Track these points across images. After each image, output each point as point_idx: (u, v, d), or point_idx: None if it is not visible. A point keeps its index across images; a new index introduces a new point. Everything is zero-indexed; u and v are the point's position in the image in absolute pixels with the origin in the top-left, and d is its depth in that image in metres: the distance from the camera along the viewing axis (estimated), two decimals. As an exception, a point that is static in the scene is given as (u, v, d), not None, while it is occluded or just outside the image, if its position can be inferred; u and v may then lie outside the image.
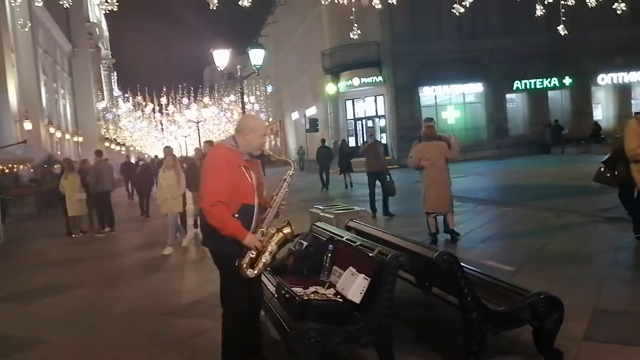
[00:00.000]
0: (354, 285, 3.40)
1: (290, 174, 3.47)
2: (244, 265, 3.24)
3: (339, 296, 3.51)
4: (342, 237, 4.15)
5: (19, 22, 8.25)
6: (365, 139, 31.34)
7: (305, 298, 3.42)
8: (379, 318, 3.23)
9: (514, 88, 29.21)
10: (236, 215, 3.23)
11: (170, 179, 8.61)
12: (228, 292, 3.42)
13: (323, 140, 21.65)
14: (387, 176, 10.38)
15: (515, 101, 30.24)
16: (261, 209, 3.39)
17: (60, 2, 6.27)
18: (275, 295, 3.90)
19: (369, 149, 10.82)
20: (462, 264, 3.42)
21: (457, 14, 7.80)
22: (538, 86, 29.37)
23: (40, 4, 5.51)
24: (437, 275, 3.80)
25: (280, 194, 3.42)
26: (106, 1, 5.60)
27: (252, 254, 3.25)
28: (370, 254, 3.50)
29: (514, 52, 27.82)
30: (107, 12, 5.68)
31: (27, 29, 6.97)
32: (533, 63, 28.26)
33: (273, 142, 49.76)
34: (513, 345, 3.80)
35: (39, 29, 35.56)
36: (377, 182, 10.72)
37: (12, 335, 5.04)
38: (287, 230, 3.40)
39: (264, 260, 3.28)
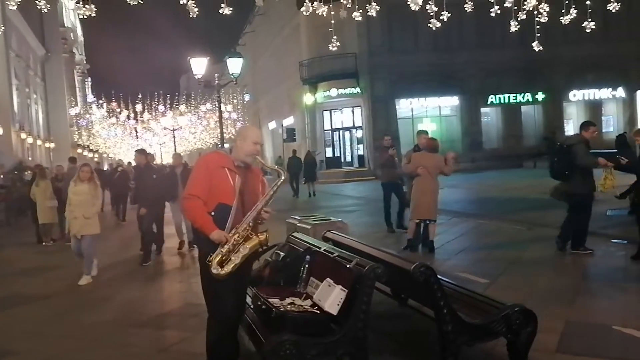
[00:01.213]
0: (331, 297, 3.38)
1: (279, 183, 3.52)
2: (213, 263, 3.24)
3: (315, 307, 3.49)
4: (320, 248, 4.13)
5: (-8, 25, 8.06)
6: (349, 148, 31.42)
7: (282, 309, 3.39)
8: (355, 330, 3.22)
9: (489, 102, 29.76)
10: (212, 213, 3.33)
11: (83, 194, 7.14)
12: (208, 293, 3.42)
13: (294, 151, 22.44)
14: (403, 187, 9.68)
15: (490, 115, 30.78)
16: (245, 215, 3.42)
17: (38, 7, 6.16)
18: (251, 306, 3.86)
19: (388, 159, 9.87)
20: (438, 276, 3.44)
21: (434, 28, 7.91)
22: (512, 101, 29.97)
23: (14, 8, 5.39)
24: (413, 287, 3.82)
25: (263, 200, 3.43)
26: (84, 6, 5.51)
27: (222, 251, 3.26)
28: (347, 265, 3.49)
29: (488, 67, 28.36)
30: (85, 17, 5.58)
31: (0, 32, 6.83)
32: (507, 78, 28.85)
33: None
34: (488, 357, 3.83)
35: (12, 32, 34.86)
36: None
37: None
38: (262, 237, 3.38)
39: (233, 260, 3.26)
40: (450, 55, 27.75)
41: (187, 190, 3.41)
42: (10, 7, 5.35)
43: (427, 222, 7.63)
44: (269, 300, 3.55)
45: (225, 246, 3.25)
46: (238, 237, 3.31)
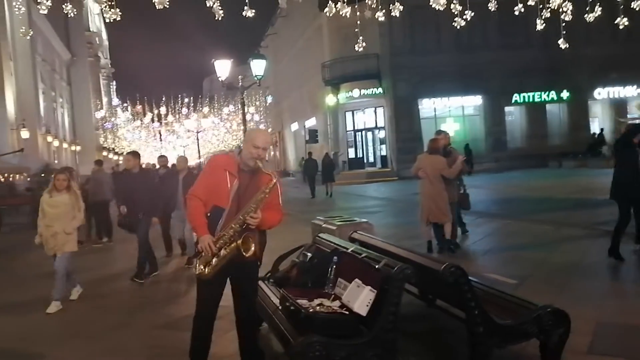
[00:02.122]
0: (360, 298, 3.36)
1: (267, 190, 3.39)
2: (197, 263, 3.37)
3: (344, 308, 3.47)
4: (347, 248, 4.11)
5: (21, 31, 8.24)
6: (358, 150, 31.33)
7: (311, 310, 3.38)
8: (384, 331, 3.19)
9: (513, 101, 29.38)
10: (208, 215, 3.40)
11: (61, 205, 6.18)
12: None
13: (309, 153, 23.45)
14: (462, 187, 9.16)
15: (514, 114, 30.38)
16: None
17: (64, 12, 6.29)
18: (279, 307, 3.85)
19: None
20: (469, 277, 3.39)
21: (458, 27, 7.84)
22: (536, 100, 29.55)
23: (45, 12, 5.51)
24: (442, 288, 3.77)
25: (249, 206, 3.36)
26: (110, 9, 5.61)
27: (206, 255, 3.34)
28: (376, 266, 3.47)
29: (512, 66, 27.99)
30: (111, 21, 5.67)
31: (28, 37, 7.02)
32: (531, 77, 28.41)
33: (272, 153, 49.76)
34: (518, 358, 3.76)
35: (38, 37, 35.67)
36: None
37: (8, 348, 4.95)
38: (240, 242, 3.32)
39: (213, 263, 3.33)
40: (473, 54, 27.49)
41: (191, 189, 3.52)
42: (41, 12, 5.46)
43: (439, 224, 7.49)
44: (298, 301, 3.54)
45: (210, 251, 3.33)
46: (223, 242, 3.34)
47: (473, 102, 29.55)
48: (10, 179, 20.65)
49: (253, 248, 3.35)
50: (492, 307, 3.59)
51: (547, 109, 30.09)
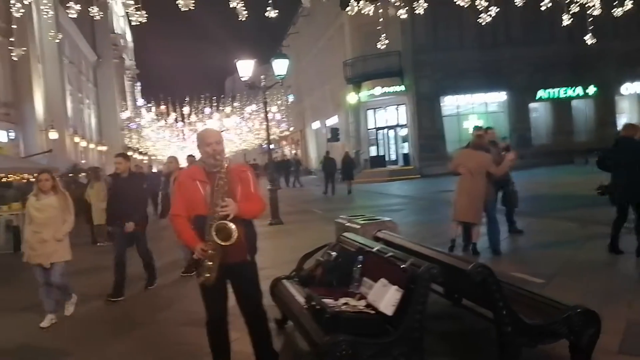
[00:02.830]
0: (386, 297, 3.36)
1: (223, 177, 3.40)
2: (200, 272, 3.44)
3: (370, 308, 3.47)
4: (372, 248, 4.11)
5: (50, 34, 8.44)
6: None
7: (337, 310, 3.39)
8: (411, 331, 3.18)
9: (537, 97, 28.90)
10: (193, 227, 3.45)
11: (49, 209, 5.59)
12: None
13: (327, 152, 24.23)
14: (510, 185, 8.84)
15: (539, 110, 29.89)
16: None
17: (90, 15, 6.42)
18: (305, 307, 3.86)
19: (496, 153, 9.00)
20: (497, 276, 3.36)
21: (484, 23, 7.76)
22: (561, 95, 29.03)
23: (75, 15, 5.63)
24: (469, 288, 3.74)
25: (214, 198, 3.38)
26: (136, 12, 5.70)
27: (205, 262, 3.39)
28: (402, 266, 3.46)
29: (536, 62, 27.54)
30: (138, 24, 5.76)
31: (57, 40, 7.23)
32: (556, 72, 27.91)
33: (294, 152, 49.88)
34: (547, 358, 3.71)
35: (65, 40, 36.37)
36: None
37: (39, 347, 5.05)
38: (214, 234, 3.31)
39: (208, 266, 3.38)
40: (497, 51, 27.15)
41: (171, 210, 3.63)
42: (70, 15, 5.58)
43: (469, 225, 7.23)
44: (323, 300, 3.55)
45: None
46: (210, 244, 3.35)
47: (497, 99, 29.16)
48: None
49: (235, 234, 3.29)
50: (520, 307, 3.54)
51: (572, 105, 29.52)
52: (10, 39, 10.73)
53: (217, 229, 3.30)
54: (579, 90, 28.89)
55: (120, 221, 6.66)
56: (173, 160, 8.33)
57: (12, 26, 8.02)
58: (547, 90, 28.74)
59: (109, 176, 8.84)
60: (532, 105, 29.37)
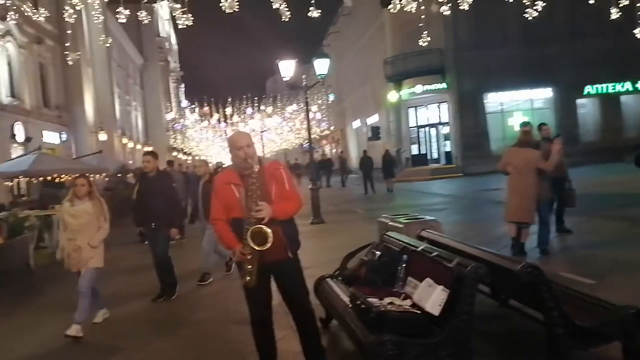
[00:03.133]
0: (432, 297, 3.34)
1: (255, 181, 3.40)
2: (241, 274, 3.49)
3: (416, 308, 3.46)
4: (417, 247, 4.08)
5: (100, 39, 8.77)
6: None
7: (382, 309, 3.39)
8: (458, 331, 3.16)
9: (585, 93, 27.90)
10: (232, 229, 3.50)
11: (84, 215, 5.45)
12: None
13: (365, 152, 24.55)
14: (568, 183, 8.46)
15: (586, 106, 28.84)
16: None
17: (139, 19, 6.64)
18: (349, 306, 3.87)
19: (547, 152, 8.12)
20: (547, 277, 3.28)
21: (530, 18, 7.59)
22: (610, 91, 27.92)
23: (124, 20, 5.84)
24: (517, 288, 3.67)
25: (248, 202, 3.39)
26: (182, 15, 5.85)
27: (245, 265, 3.44)
28: (448, 265, 3.43)
29: (584, 56, 26.54)
30: (184, 27, 5.92)
31: (107, 45, 7.54)
32: (604, 67, 26.80)
33: (334, 151, 49.94)
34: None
35: (113, 44, 37.63)
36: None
37: (89, 342, 5.20)
38: (249, 239, 3.33)
39: (249, 269, 3.41)
40: (542, 46, 26.30)
41: (210, 216, 3.68)
42: (119, 20, 5.79)
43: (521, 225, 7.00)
44: (368, 299, 3.56)
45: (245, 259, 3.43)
46: (248, 247, 3.37)
47: (542, 95, 28.32)
48: (91, 178, 21.91)
49: (270, 237, 3.29)
50: (570, 308, 3.45)
51: (621, 101, 28.34)
52: (66, 44, 11.20)
53: (252, 234, 3.33)
54: (628, 85, 27.71)
55: (151, 222, 6.44)
56: (202, 163, 8.06)
57: (67, 31, 8.37)
58: (595, 86, 27.69)
59: (135, 176, 8.80)
60: (579, 101, 28.37)
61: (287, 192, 3.54)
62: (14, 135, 21.45)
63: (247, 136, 3.64)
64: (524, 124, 7.54)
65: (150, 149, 15.64)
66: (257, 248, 3.32)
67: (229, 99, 39.21)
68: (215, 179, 3.83)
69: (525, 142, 7.09)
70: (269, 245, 3.31)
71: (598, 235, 8.27)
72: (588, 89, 27.74)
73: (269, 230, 3.30)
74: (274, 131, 39.12)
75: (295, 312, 3.69)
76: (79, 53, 7.77)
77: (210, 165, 10.95)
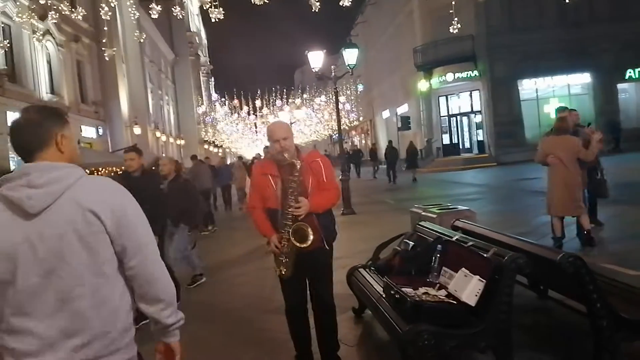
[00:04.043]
0: (468, 287, 3.26)
1: (294, 179, 3.38)
2: (276, 266, 3.52)
3: (451, 298, 3.39)
4: (452, 237, 4.00)
5: (134, 35, 8.89)
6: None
7: (417, 299, 3.34)
8: (497, 322, 3.08)
9: (626, 77, 26.87)
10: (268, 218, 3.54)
11: None
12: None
13: (390, 142, 24.62)
14: (599, 172, 7.89)
15: (628, 91, 27.80)
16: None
17: (173, 14, 6.71)
18: (384, 296, 3.84)
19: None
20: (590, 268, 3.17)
21: (567, 0, 7.32)
22: (654, 74, 26.80)
23: (156, 16, 5.90)
24: (558, 279, 3.56)
25: (288, 197, 3.38)
26: (215, 8, 5.87)
27: (278, 256, 3.48)
28: (485, 255, 3.34)
29: (625, 39, 25.54)
30: (216, 20, 5.94)
31: (141, 40, 7.66)
32: (647, 49, 25.75)
33: (363, 142, 49.72)
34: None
35: (146, 40, 38.27)
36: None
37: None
38: (291, 235, 3.34)
39: (284, 262, 3.44)
40: (580, 29, 25.41)
41: (248, 202, 3.76)
42: (152, 16, 5.85)
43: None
44: (403, 289, 3.51)
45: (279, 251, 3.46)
46: (284, 241, 3.40)
47: (580, 81, 27.41)
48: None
49: (312, 236, 3.33)
50: (615, 300, 3.33)
51: (667, 84, 27.21)
52: (102, 41, 11.42)
53: (294, 231, 3.35)
54: (674, 67, 26.56)
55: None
56: (167, 162, 6.86)
57: (104, 28, 8.54)
58: (637, 70, 26.60)
59: (118, 175, 7.34)
60: (620, 85, 27.34)
61: (324, 183, 3.52)
62: (54, 130, 22.11)
63: (284, 128, 3.60)
64: (560, 109, 7.23)
65: (131, 144, 15.23)
66: (299, 245, 3.35)
67: (258, 92, 39.44)
68: (253, 169, 3.87)
69: (562, 129, 6.63)
70: (309, 243, 3.34)
71: (641, 225, 7.97)
72: (630, 72, 26.68)
73: (310, 230, 3.33)
74: (303, 123, 39.17)
75: (317, 304, 3.70)
76: (114, 49, 7.91)
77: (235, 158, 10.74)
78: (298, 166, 3.40)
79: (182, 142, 48.07)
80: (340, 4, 6.11)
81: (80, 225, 1.65)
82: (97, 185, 1.75)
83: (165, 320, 1.82)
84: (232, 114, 43.83)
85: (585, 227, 6.62)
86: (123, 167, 5.71)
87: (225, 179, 16.45)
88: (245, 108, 42.11)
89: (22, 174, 1.67)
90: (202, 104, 53.21)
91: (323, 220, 3.50)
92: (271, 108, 40.56)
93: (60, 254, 1.64)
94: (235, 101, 43.08)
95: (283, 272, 3.47)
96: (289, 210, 3.34)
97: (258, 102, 40.96)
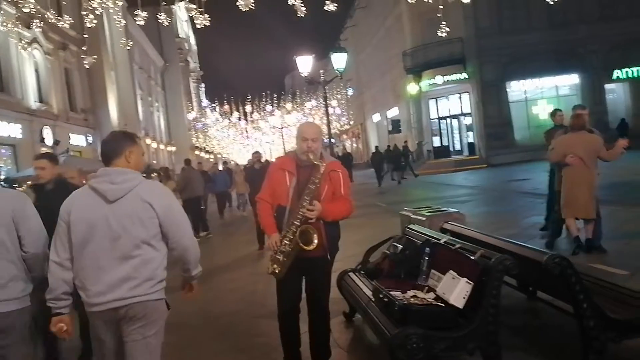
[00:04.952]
0: (456, 290, 3.26)
1: (316, 181, 3.41)
2: (269, 264, 3.50)
3: (439, 301, 3.40)
4: (440, 239, 4.01)
5: (121, 41, 8.87)
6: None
7: (406, 302, 3.34)
8: (485, 324, 3.09)
9: (614, 78, 27.11)
10: (275, 215, 3.53)
11: None
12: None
13: (377, 147, 26.26)
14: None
15: (616, 92, 28.04)
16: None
17: (159, 21, 6.69)
18: (373, 299, 3.84)
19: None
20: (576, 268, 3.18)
21: (552, 2, 7.39)
22: (641, 74, 27.05)
23: (142, 22, 5.88)
24: (545, 280, 3.57)
25: (303, 198, 3.39)
26: (200, 15, 5.86)
27: (274, 254, 3.46)
28: (472, 257, 3.35)
29: (612, 40, 25.80)
30: (201, 27, 5.93)
31: (128, 47, 7.62)
32: (634, 50, 25.93)
33: (355, 145, 49.79)
34: (634, 354, 3.48)
35: (135, 47, 38.16)
36: None
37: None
38: (297, 236, 3.35)
39: (279, 259, 3.42)
40: (568, 30, 25.64)
41: (259, 194, 3.69)
42: (138, 23, 5.83)
43: (584, 220, 6.26)
44: (391, 293, 3.51)
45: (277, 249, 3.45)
46: (287, 239, 3.38)
47: (568, 82, 27.61)
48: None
49: (316, 241, 3.34)
50: (603, 300, 3.34)
51: (654, 84, 27.45)
52: (83, 48, 11.38)
53: (301, 232, 3.35)
54: (660, 67, 26.82)
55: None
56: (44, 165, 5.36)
57: (85, 36, 8.48)
58: (625, 70, 26.83)
59: (29, 188, 6.69)
60: (608, 86, 27.57)
61: (339, 195, 3.52)
62: (43, 138, 21.98)
63: (315, 130, 3.61)
64: (577, 107, 6.80)
65: (45, 151, 13.79)
66: (303, 247, 3.34)
67: (248, 97, 39.43)
68: (273, 162, 3.96)
69: (579, 125, 6.23)
70: (313, 247, 3.34)
71: (634, 225, 7.99)
72: (617, 73, 26.90)
73: (315, 233, 3.34)
74: (294, 127, 39.16)
75: (313, 310, 3.70)
76: (95, 57, 7.87)
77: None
78: (322, 170, 3.42)
79: (173, 148, 47.92)
80: (325, 8, 6.12)
81: (140, 211, 2.56)
82: (152, 186, 2.70)
83: (192, 273, 2.91)
84: (222, 119, 43.75)
85: (588, 235, 6.35)
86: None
87: (220, 186, 16.30)
88: (235, 114, 42.07)
89: (105, 174, 2.61)
90: (193, 110, 53.09)
91: (330, 231, 3.50)
92: (262, 113, 40.54)
93: (125, 227, 2.54)
94: (226, 107, 43.02)
95: (277, 271, 3.45)
96: (302, 210, 3.35)
97: (248, 108, 40.92)
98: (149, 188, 2.63)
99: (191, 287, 3.03)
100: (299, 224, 3.36)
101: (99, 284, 2.54)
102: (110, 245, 2.53)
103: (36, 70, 22.58)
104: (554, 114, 8.04)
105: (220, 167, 21.72)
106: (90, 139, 27.29)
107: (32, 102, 21.64)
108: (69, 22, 8.03)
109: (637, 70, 26.88)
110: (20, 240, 2.83)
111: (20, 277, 2.85)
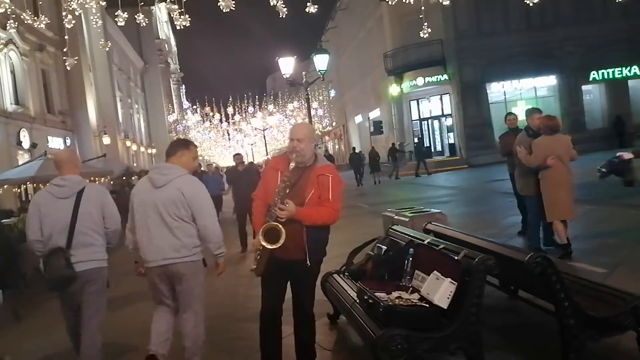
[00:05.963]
0: (440, 290, 3.29)
1: (285, 180, 3.43)
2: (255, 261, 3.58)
3: (424, 301, 3.41)
4: (423, 240, 4.03)
5: (100, 43, 8.73)
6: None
7: (390, 303, 3.35)
8: (467, 324, 3.11)
9: (591, 79, 27.64)
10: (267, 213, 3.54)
11: None
12: None
13: (354, 149, 27.14)
14: None
15: (592, 93, 28.58)
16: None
17: (137, 22, 6.61)
18: (357, 301, 3.84)
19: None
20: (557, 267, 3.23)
21: (531, 4, 7.48)
22: (617, 76, 27.58)
23: (123, 23, 5.81)
24: (527, 279, 3.62)
25: (275, 196, 3.41)
26: (180, 16, 5.81)
27: (256, 254, 3.55)
28: (455, 258, 3.38)
29: (589, 42, 26.31)
30: (181, 28, 5.88)
31: (107, 49, 7.52)
32: (610, 52, 26.51)
33: (337, 147, 49.86)
34: (613, 352, 3.55)
35: (114, 48, 37.65)
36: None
37: (104, 343, 5.22)
38: (262, 235, 3.39)
39: (256, 257, 3.51)
40: (545, 32, 26.11)
41: (255, 192, 3.77)
42: (118, 24, 5.76)
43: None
44: (376, 294, 3.52)
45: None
46: (262, 239, 3.40)
47: (546, 83, 28.07)
48: (97, 182, 21.98)
49: (282, 240, 3.29)
50: (582, 298, 3.40)
51: (629, 85, 28.03)
52: (64, 50, 11.20)
53: (266, 230, 3.34)
54: (635, 69, 27.37)
55: None
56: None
57: (65, 37, 8.33)
58: (601, 71, 27.34)
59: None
60: (585, 87, 28.08)
61: (326, 200, 3.45)
62: (20, 142, 21.54)
63: (302, 130, 3.61)
64: (538, 110, 6.90)
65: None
66: (265, 244, 3.35)
67: (230, 99, 39.23)
68: (269, 162, 4.16)
69: (555, 128, 6.28)
70: (279, 245, 3.31)
71: (610, 224, 8.16)
72: (594, 74, 27.42)
73: (283, 230, 3.30)
74: (276, 129, 39.10)
75: (297, 313, 3.71)
76: (76, 58, 7.74)
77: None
78: (290, 167, 3.43)
79: (154, 151, 47.40)
80: (307, 10, 6.11)
81: (176, 197, 3.60)
82: (187, 179, 3.71)
83: (215, 252, 3.84)
84: (204, 121, 43.47)
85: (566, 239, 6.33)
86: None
87: (212, 189, 15.87)
88: (217, 115, 41.83)
89: (158, 168, 3.84)
90: (173, 112, 52.60)
91: (312, 234, 3.42)
92: (243, 115, 40.38)
93: (167, 208, 3.61)
94: (207, 108, 42.74)
95: (253, 268, 3.55)
96: (273, 209, 3.36)
97: (230, 109, 40.73)
98: (184, 180, 3.66)
99: (218, 266, 3.90)
100: (272, 223, 3.36)
101: (150, 247, 3.64)
102: (158, 219, 3.61)
103: (12, 72, 22.12)
104: (506, 118, 8.19)
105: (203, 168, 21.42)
106: (68, 141, 26.82)
107: (8, 104, 21.20)
108: (45, 23, 7.85)
109: (614, 72, 27.45)
110: (104, 219, 3.99)
111: (104, 244, 4.05)
